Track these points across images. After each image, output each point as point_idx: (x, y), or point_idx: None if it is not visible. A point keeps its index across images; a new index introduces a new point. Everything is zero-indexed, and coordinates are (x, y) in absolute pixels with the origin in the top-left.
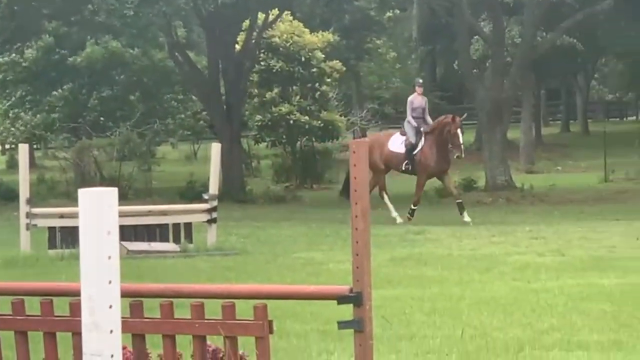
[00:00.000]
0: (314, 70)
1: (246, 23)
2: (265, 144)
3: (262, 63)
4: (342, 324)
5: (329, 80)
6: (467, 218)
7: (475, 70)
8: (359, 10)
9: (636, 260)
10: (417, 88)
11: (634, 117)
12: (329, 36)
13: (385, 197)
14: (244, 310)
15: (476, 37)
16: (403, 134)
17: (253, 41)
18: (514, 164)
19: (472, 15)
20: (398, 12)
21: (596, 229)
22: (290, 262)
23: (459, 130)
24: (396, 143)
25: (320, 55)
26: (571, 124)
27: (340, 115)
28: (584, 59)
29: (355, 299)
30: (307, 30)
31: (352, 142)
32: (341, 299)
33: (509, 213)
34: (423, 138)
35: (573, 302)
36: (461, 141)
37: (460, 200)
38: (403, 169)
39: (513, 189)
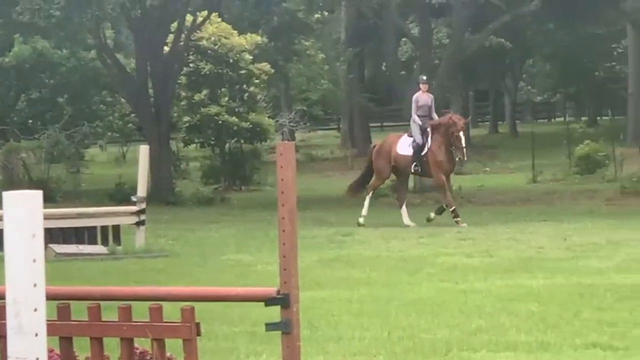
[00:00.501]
0: (243, 72)
1: (174, 25)
2: (194, 145)
3: (190, 65)
4: (270, 326)
5: (257, 82)
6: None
7: (403, 72)
8: (287, 12)
9: (563, 261)
10: (421, 85)
11: (562, 118)
12: (257, 38)
13: (369, 197)
14: (172, 312)
15: (404, 38)
16: (410, 135)
17: (181, 43)
18: None
19: (400, 17)
20: (326, 14)
21: (524, 230)
22: (219, 264)
23: (461, 133)
24: (404, 145)
25: (248, 57)
26: (499, 125)
27: (269, 117)
28: (512, 60)
29: (282, 300)
30: (235, 32)
31: (280, 144)
32: (268, 301)
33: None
34: (430, 137)
35: (501, 303)
36: (464, 144)
37: (453, 207)
38: (412, 170)
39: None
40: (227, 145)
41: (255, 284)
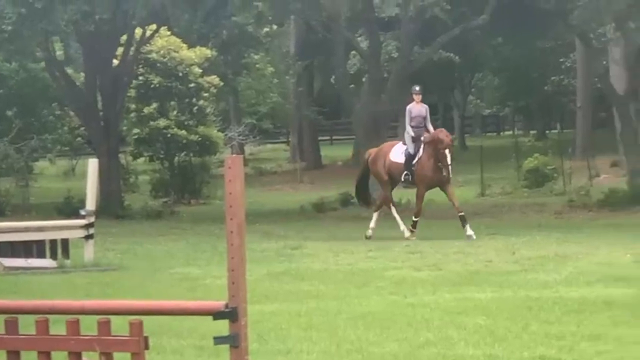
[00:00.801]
0: (192, 85)
1: (124, 38)
2: (143, 159)
3: (139, 78)
4: (218, 340)
5: (206, 95)
6: (469, 231)
7: (352, 85)
8: (236, 26)
9: (512, 274)
10: (414, 96)
11: (511, 132)
12: (206, 51)
13: (393, 209)
14: (121, 326)
15: (353, 52)
16: (405, 144)
17: (130, 56)
18: None
19: (349, 30)
20: (275, 27)
21: (473, 244)
22: (168, 277)
23: (447, 151)
24: (397, 153)
25: (197, 70)
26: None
27: (218, 131)
28: (460, 74)
29: (230, 314)
30: (184, 45)
31: (228, 157)
32: (217, 315)
33: (387, 228)
34: (422, 148)
35: (449, 317)
36: (449, 161)
37: (462, 213)
38: (402, 179)
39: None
40: (176, 158)
41: (204, 297)
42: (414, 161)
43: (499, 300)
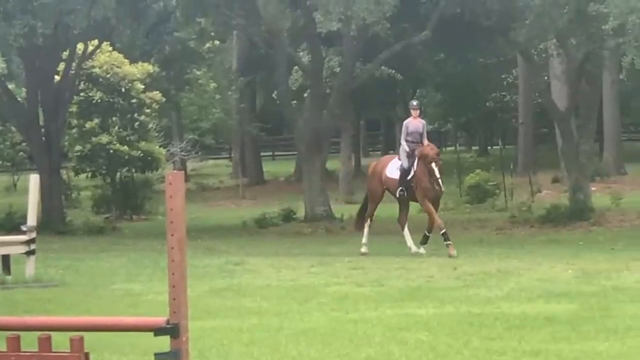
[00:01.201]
0: (134, 100)
1: (66, 53)
2: (85, 174)
3: (81, 94)
4: (159, 356)
5: (148, 111)
6: (451, 251)
7: (294, 101)
8: (179, 42)
9: (453, 290)
10: (412, 111)
11: (453, 147)
12: (148, 67)
13: (367, 224)
14: (62, 342)
15: (296, 67)
16: (400, 159)
17: (72, 72)
18: (334, 194)
19: (291, 46)
20: (218, 43)
21: (415, 259)
22: (109, 293)
23: (433, 165)
24: (393, 168)
25: (140, 86)
26: (390, 154)
27: (160, 146)
28: (403, 90)
29: (172, 330)
30: (127, 61)
31: (169, 173)
32: (158, 331)
33: (329, 244)
34: (416, 163)
35: (391, 332)
36: (437, 175)
37: (441, 231)
38: (397, 195)
39: (332, 219)
40: (119, 174)
41: (146, 313)
42: (409, 176)
43: (440, 316)
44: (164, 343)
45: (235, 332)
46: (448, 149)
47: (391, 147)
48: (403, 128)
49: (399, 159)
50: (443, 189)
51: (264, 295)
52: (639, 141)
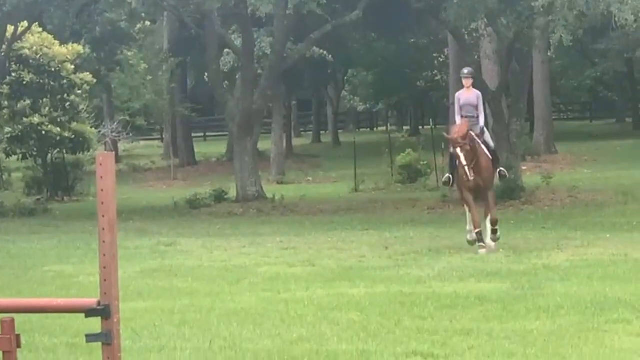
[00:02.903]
0: (64, 81)
1: None
2: (16, 156)
3: (12, 75)
4: (90, 337)
5: (79, 92)
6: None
7: (226, 82)
8: (109, 22)
9: (384, 269)
10: (463, 81)
11: (384, 128)
12: (79, 48)
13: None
14: None
15: (227, 49)
16: None
17: (2, 53)
18: (265, 174)
19: (222, 27)
20: (148, 24)
21: (346, 239)
22: (41, 275)
23: (458, 150)
24: None
25: (70, 67)
26: (322, 135)
27: (92, 127)
28: (334, 70)
29: (103, 311)
30: (57, 42)
31: (100, 154)
32: (89, 312)
33: (260, 224)
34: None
35: (323, 312)
36: (463, 162)
37: (494, 227)
38: (443, 181)
39: (264, 199)
40: (50, 155)
41: (78, 295)
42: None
43: (372, 295)
44: (96, 324)
45: (167, 313)
46: (380, 128)
47: (323, 127)
48: (455, 101)
49: None
50: (471, 177)
51: (196, 276)
52: (569, 120)
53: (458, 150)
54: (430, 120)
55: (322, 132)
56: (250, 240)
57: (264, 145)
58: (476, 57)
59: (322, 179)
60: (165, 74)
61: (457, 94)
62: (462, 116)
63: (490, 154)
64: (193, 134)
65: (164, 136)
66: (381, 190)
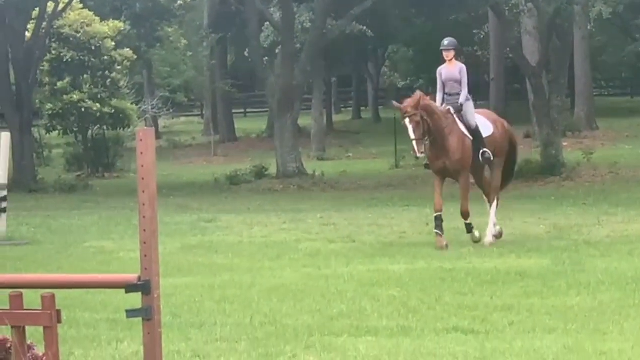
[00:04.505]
0: (105, 58)
1: (36, 12)
2: (57, 132)
3: (52, 52)
4: (130, 313)
5: (119, 68)
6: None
7: (266, 58)
8: None
9: (424, 246)
10: (444, 53)
11: None
12: (119, 24)
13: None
14: (34, 300)
15: (267, 24)
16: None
17: (43, 30)
18: (305, 151)
19: (262, 2)
20: (189, 0)
21: (386, 215)
22: (81, 251)
23: (406, 121)
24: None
25: (111, 43)
26: (362, 111)
27: (132, 104)
28: (374, 46)
29: (143, 287)
30: (97, 18)
31: (140, 130)
32: (129, 288)
33: (300, 200)
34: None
35: (363, 288)
36: (412, 136)
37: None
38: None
39: (304, 176)
40: (90, 132)
41: (118, 271)
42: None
43: (412, 271)
44: (136, 300)
45: (207, 289)
46: None
47: (363, 104)
48: (437, 77)
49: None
50: (418, 154)
51: (236, 252)
52: (610, 96)
53: (407, 121)
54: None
55: (362, 108)
56: (291, 216)
57: (304, 121)
58: (517, 33)
59: (362, 155)
60: (206, 50)
61: (438, 69)
62: (445, 93)
63: (472, 134)
64: (233, 110)
65: (204, 112)
66: (421, 166)
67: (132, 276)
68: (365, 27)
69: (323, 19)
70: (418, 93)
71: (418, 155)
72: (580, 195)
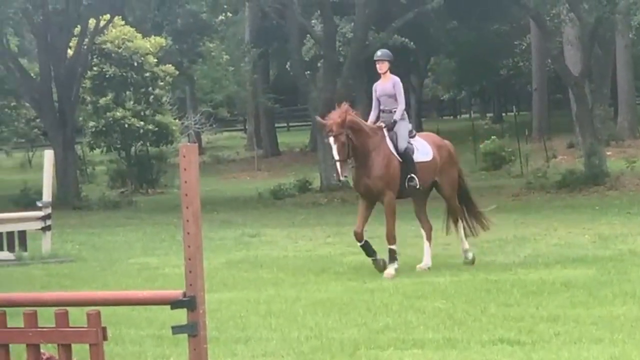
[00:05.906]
0: (147, 74)
1: (78, 29)
2: (100, 150)
3: (94, 69)
4: (176, 329)
5: (162, 84)
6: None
7: (308, 72)
8: (190, 14)
9: None
10: (377, 65)
11: (467, 115)
12: (161, 40)
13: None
14: (79, 317)
15: (308, 37)
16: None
17: (85, 47)
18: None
19: (303, 15)
20: (230, 15)
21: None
22: (126, 268)
23: (331, 139)
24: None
25: (152, 59)
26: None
27: (175, 119)
28: (416, 58)
29: (188, 303)
30: (139, 35)
31: (183, 146)
32: (174, 304)
33: (345, 213)
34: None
35: (408, 301)
36: (336, 156)
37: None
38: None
39: (348, 189)
40: (133, 148)
41: (163, 287)
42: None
43: (457, 283)
44: (181, 316)
45: (252, 303)
46: (463, 116)
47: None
48: (373, 93)
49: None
50: (342, 177)
51: (281, 266)
52: None
53: (331, 140)
54: (514, 107)
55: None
56: (335, 230)
57: None
58: (558, 42)
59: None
60: (248, 64)
61: (374, 85)
62: (380, 110)
63: (401, 156)
64: (276, 124)
65: (247, 127)
66: (465, 177)
67: (177, 292)
68: (407, 39)
69: (364, 31)
70: (344, 106)
71: (342, 178)
72: (624, 204)
